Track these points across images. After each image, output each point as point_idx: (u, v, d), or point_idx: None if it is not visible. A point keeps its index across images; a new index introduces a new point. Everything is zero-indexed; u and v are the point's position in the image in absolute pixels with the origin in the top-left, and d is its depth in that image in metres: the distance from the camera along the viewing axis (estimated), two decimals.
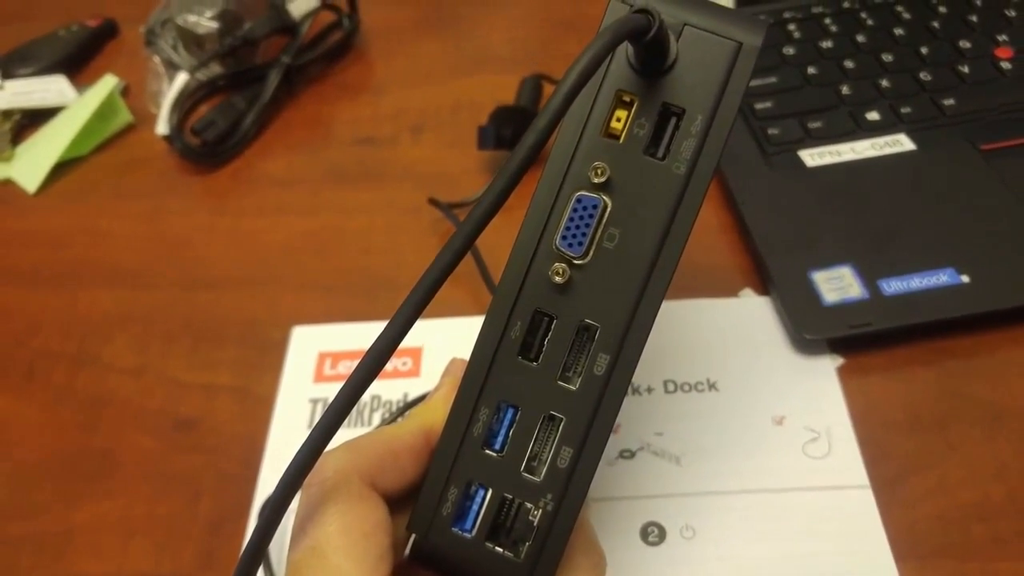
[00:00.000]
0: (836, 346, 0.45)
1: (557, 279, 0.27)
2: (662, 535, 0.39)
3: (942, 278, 0.45)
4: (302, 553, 0.26)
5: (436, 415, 0.29)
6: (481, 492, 0.28)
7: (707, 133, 0.27)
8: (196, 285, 0.53)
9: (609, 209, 0.27)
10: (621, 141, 0.27)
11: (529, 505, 0.28)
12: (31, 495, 0.44)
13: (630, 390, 0.44)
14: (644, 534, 0.40)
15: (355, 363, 0.47)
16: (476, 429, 0.28)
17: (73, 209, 0.59)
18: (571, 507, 0.27)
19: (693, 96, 0.27)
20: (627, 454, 0.42)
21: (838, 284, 0.46)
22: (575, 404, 0.27)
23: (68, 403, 0.48)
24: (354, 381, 0.25)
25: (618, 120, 0.27)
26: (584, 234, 0.27)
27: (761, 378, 0.45)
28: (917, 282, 0.45)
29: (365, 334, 0.48)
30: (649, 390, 0.45)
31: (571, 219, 0.27)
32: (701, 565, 0.38)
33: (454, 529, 0.28)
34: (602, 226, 0.27)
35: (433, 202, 0.54)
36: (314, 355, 0.48)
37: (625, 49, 0.27)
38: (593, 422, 0.27)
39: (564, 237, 0.27)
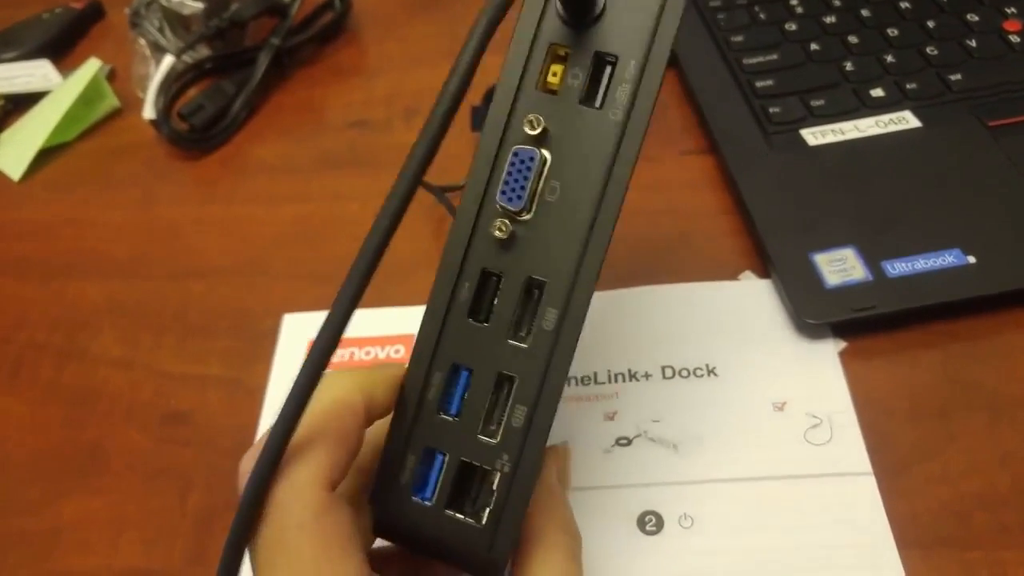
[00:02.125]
0: (839, 330, 0.44)
1: (498, 234, 0.27)
2: (660, 524, 0.39)
3: (948, 259, 0.44)
4: None
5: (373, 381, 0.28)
6: (439, 458, 0.28)
7: (641, 78, 0.27)
8: (185, 275, 0.52)
9: (549, 162, 0.27)
10: (557, 94, 0.27)
11: (487, 468, 0.27)
12: (19, 491, 0.43)
13: (627, 375, 0.43)
14: (641, 523, 0.39)
15: (347, 351, 0.46)
16: (431, 394, 0.28)
17: (59, 197, 0.58)
18: (529, 467, 0.27)
19: (624, 42, 0.27)
20: (624, 441, 0.41)
21: (840, 266, 0.45)
22: (526, 362, 0.27)
23: (56, 397, 0.47)
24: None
25: (554, 75, 0.28)
26: (522, 187, 0.27)
27: (761, 363, 0.44)
28: (922, 263, 0.44)
29: (356, 322, 0.47)
30: (646, 376, 0.44)
31: (509, 173, 0.27)
32: (700, 555, 0.38)
33: (414, 498, 0.28)
34: (542, 180, 0.27)
35: (426, 186, 0.53)
36: (305, 343, 0.47)
37: (554, 3, 0.27)
38: (545, 378, 0.27)
39: (503, 192, 0.27)
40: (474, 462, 0.28)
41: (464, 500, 0.28)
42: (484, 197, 0.28)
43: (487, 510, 0.28)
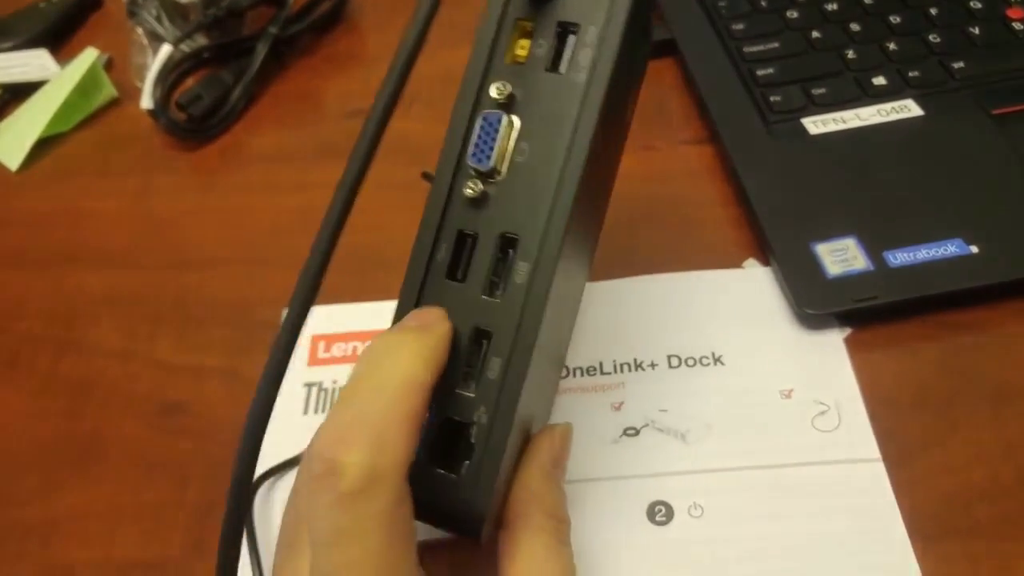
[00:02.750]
0: (841, 319, 0.44)
1: (470, 193, 0.28)
2: (670, 514, 0.38)
3: (950, 249, 0.44)
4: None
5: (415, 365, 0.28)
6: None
7: (602, 41, 0.28)
8: (183, 265, 0.52)
9: (518, 126, 0.29)
10: (525, 64, 0.29)
11: (465, 422, 0.28)
12: (16, 482, 0.43)
13: (632, 365, 0.43)
14: (651, 514, 0.38)
15: (350, 345, 0.46)
16: None
17: (56, 187, 0.58)
18: (504, 417, 0.28)
19: (585, 10, 0.29)
20: (631, 431, 0.41)
21: (842, 256, 0.44)
22: (500, 315, 0.28)
23: (53, 388, 0.46)
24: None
25: (522, 48, 0.29)
26: (490, 147, 0.28)
27: (767, 350, 0.43)
28: (924, 253, 0.44)
29: (358, 315, 0.47)
30: (652, 365, 0.43)
31: (478, 136, 0.28)
32: (711, 544, 0.37)
33: None
34: (511, 142, 0.29)
35: (426, 176, 0.52)
36: (307, 338, 0.46)
37: None
38: (519, 330, 0.28)
39: (473, 154, 0.28)
40: (454, 417, 0.28)
41: (451, 458, 0.29)
42: (458, 163, 0.29)
43: (466, 463, 0.28)
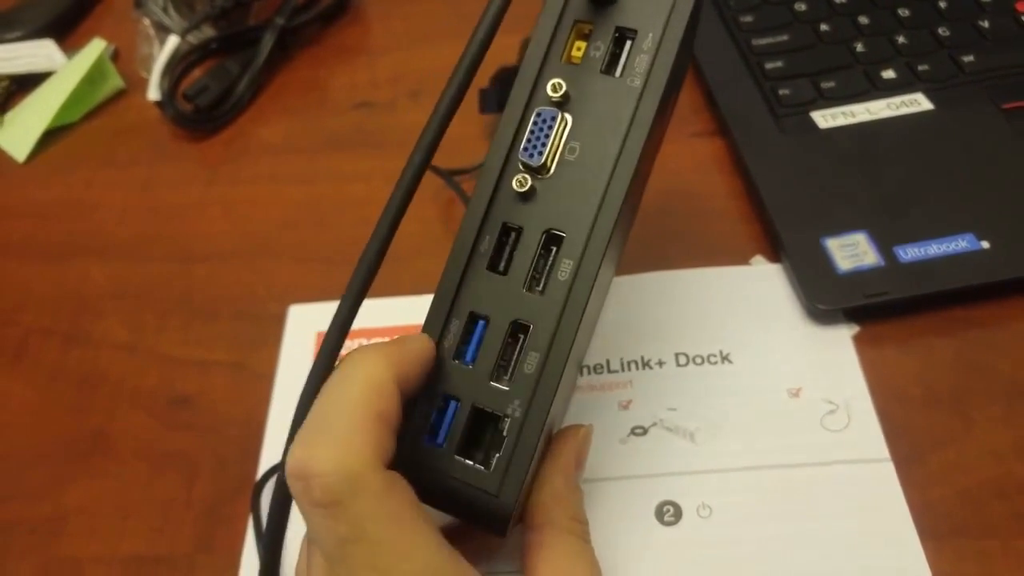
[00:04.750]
0: (851, 315, 0.44)
1: (518, 187, 0.29)
2: (678, 514, 0.38)
3: (961, 244, 0.44)
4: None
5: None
6: (453, 405, 0.29)
7: (659, 48, 0.29)
8: (190, 257, 0.52)
9: (570, 124, 0.29)
10: (580, 65, 0.30)
11: (499, 414, 0.28)
12: (24, 477, 0.43)
13: (640, 363, 0.43)
14: (660, 514, 0.38)
15: (356, 342, 0.46)
16: (447, 342, 0.29)
17: (63, 179, 0.58)
18: (539, 413, 0.28)
19: (643, 17, 0.29)
20: (639, 431, 0.41)
21: (852, 251, 0.44)
22: (540, 310, 0.28)
23: (60, 382, 0.47)
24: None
25: (578, 49, 0.30)
26: (543, 143, 0.29)
27: (775, 348, 0.43)
28: (935, 249, 0.44)
29: (368, 312, 0.46)
30: (660, 363, 0.43)
31: (531, 131, 0.29)
32: (720, 545, 0.37)
33: (427, 445, 0.29)
34: (563, 140, 0.29)
35: (434, 169, 0.52)
36: (312, 335, 0.46)
37: None
38: (558, 326, 0.28)
39: (525, 149, 0.29)
40: (486, 408, 0.28)
41: (476, 448, 0.29)
42: (508, 156, 0.29)
43: (496, 456, 0.28)
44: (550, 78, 0.29)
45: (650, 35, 0.29)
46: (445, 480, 0.28)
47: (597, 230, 0.28)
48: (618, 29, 0.29)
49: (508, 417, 0.28)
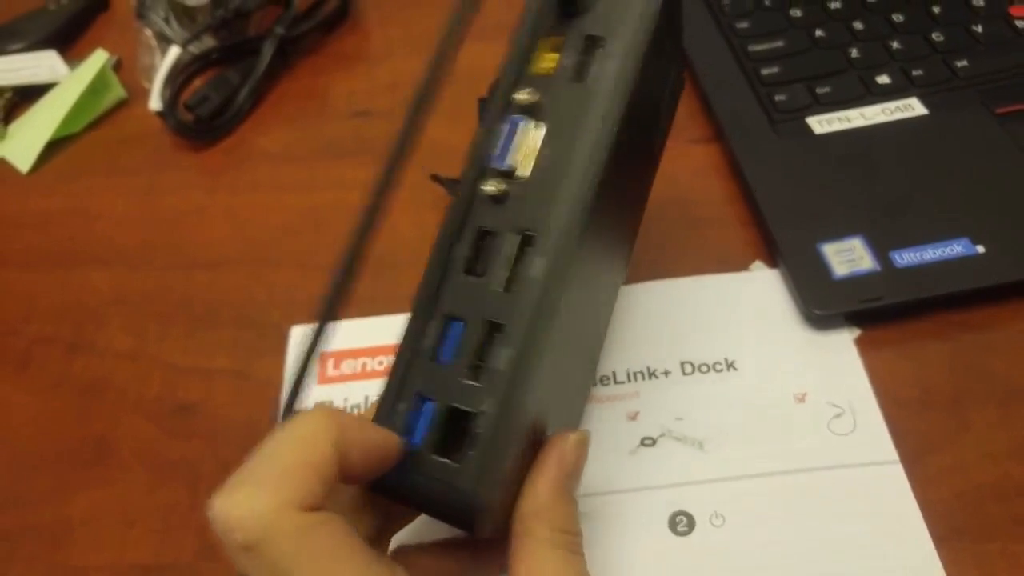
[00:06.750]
0: (850, 319, 0.44)
1: (491, 190, 0.29)
2: (691, 524, 0.38)
3: (956, 249, 0.44)
4: None
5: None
6: (428, 405, 0.29)
7: (626, 52, 0.30)
8: (192, 265, 0.52)
9: (544, 132, 0.30)
10: (552, 75, 0.31)
11: (472, 411, 0.28)
12: (28, 485, 0.43)
13: (646, 373, 0.43)
14: (673, 524, 0.38)
15: (359, 362, 0.46)
16: (425, 343, 0.29)
17: (67, 188, 0.58)
18: (512, 408, 0.28)
19: (611, 25, 0.31)
20: (648, 441, 0.41)
21: (848, 256, 0.45)
22: (513, 308, 0.29)
23: (64, 390, 0.47)
24: None
25: (551, 60, 0.31)
26: (508, 148, 0.30)
27: (779, 354, 0.43)
28: (930, 253, 0.44)
29: (367, 331, 0.46)
30: (666, 373, 0.43)
31: (501, 138, 0.30)
32: (735, 553, 0.37)
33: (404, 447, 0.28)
34: (537, 147, 0.30)
35: (435, 178, 0.53)
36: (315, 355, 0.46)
37: None
38: (531, 323, 0.28)
39: (495, 154, 0.30)
40: (460, 406, 0.28)
41: (455, 448, 0.29)
42: (483, 165, 0.30)
43: (471, 453, 0.28)
44: (522, 88, 0.30)
45: (617, 41, 0.30)
46: (422, 480, 0.28)
47: (567, 226, 0.29)
48: (587, 38, 0.31)
49: (481, 413, 0.28)
